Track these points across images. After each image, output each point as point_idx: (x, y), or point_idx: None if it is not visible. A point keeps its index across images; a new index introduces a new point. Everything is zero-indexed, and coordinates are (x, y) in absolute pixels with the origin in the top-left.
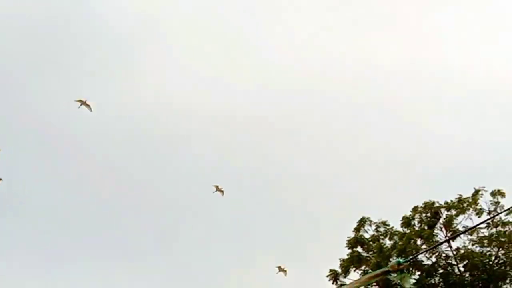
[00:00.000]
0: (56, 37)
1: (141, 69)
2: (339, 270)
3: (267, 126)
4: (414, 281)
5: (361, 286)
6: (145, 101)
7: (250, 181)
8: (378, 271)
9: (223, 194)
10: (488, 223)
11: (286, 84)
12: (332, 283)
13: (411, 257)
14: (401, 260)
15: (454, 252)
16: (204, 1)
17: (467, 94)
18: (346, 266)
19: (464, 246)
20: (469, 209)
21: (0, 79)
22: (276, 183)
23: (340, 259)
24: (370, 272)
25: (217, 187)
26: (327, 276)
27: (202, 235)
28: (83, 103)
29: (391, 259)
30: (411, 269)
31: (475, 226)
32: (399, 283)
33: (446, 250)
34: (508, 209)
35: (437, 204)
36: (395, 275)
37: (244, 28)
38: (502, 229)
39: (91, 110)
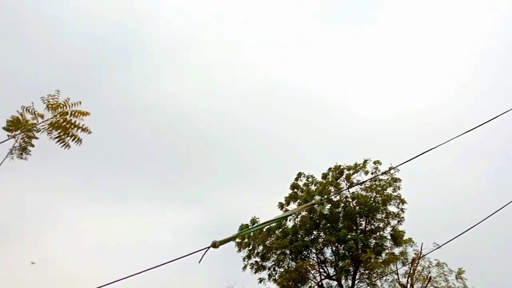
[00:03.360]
0: None
1: None
2: (284, 203)
3: None
4: (328, 209)
5: (296, 211)
6: None
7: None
8: (309, 203)
9: None
10: (371, 179)
11: None
12: (280, 209)
13: (326, 196)
14: (322, 197)
15: (350, 194)
16: None
17: None
18: (288, 200)
19: (356, 191)
20: (360, 170)
21: None
22: None
23: (284, 196)
24: (303, 204)
25: None
26: (277, 206)
27: None
28: None
29: (314, 197)
30: (326, 202)
31: (363, 182)
32: (320, 210)
33: (346, 193)
34: (383, 173)
35: (342, 166)
36: (318, 206)
37: None
38: (378, 183)
39: None
